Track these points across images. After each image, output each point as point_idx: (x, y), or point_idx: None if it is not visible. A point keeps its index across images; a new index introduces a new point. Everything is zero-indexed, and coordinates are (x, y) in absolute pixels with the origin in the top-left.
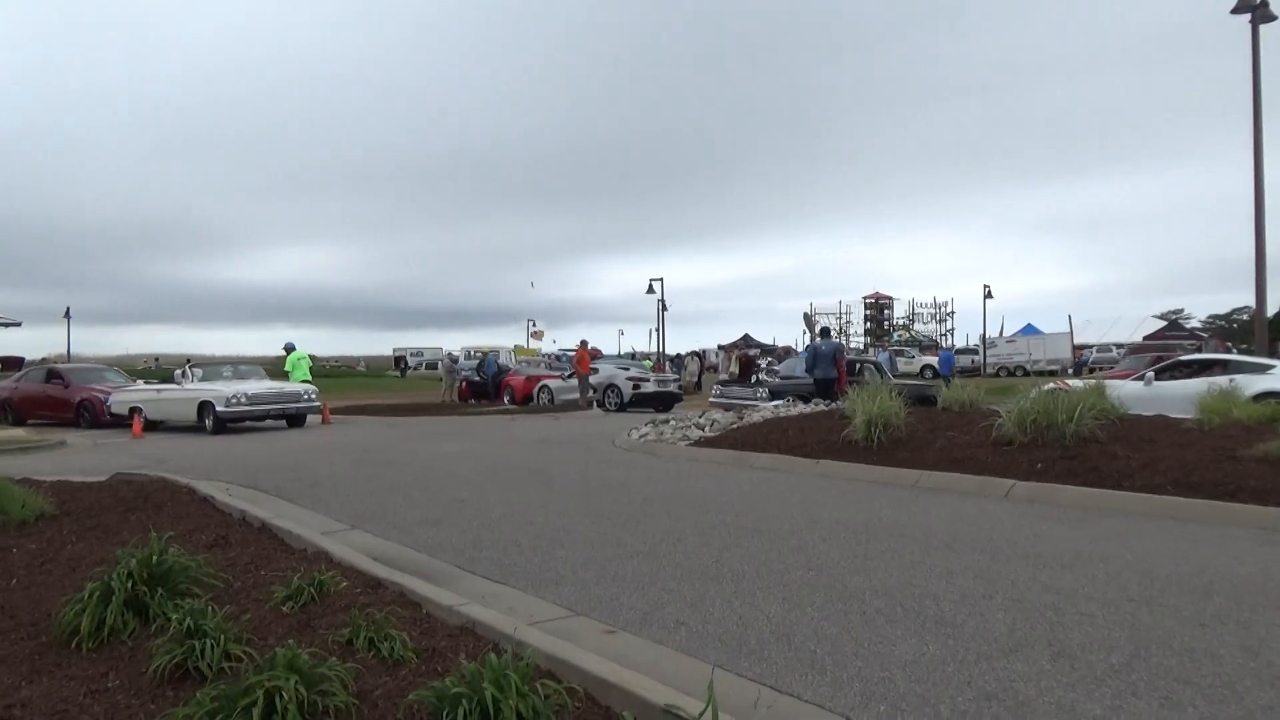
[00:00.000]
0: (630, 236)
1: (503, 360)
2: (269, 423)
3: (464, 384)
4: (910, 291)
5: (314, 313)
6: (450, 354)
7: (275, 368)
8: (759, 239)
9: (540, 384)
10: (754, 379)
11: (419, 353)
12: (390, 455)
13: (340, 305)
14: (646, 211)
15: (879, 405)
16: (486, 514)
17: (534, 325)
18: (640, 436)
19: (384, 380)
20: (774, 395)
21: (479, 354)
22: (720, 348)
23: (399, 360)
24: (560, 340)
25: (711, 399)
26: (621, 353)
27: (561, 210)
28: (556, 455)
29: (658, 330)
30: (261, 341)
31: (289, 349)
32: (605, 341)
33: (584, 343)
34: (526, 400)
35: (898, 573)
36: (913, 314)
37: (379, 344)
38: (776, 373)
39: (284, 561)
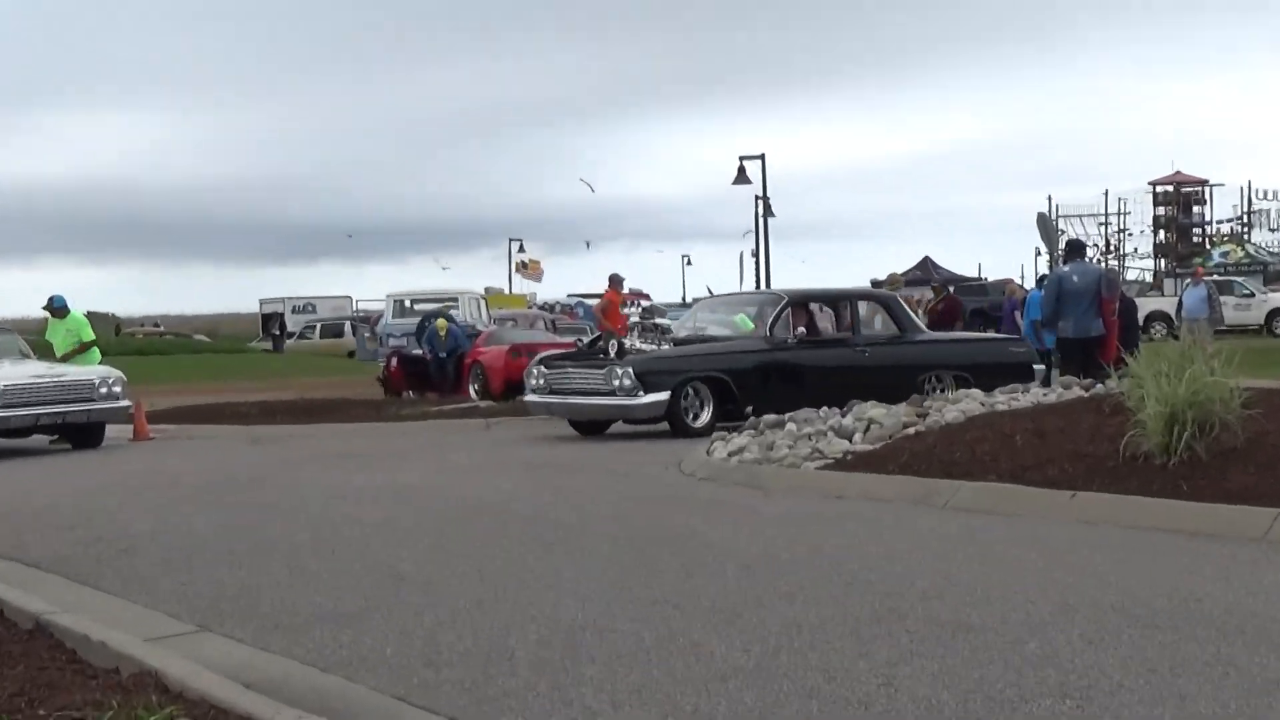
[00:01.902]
0: (701, 83)
1: (464, 318)
2: (36, 439)
3: (393, 362)
4: (1240, 172)
5: (112, 237)
6: (363, 311)
7: (40, 334)
8: (931, 83)
9: (537, 359)
10: (613, 348)
11: (307, 306)
12: (267, 494)
13: (164, 223)
14: (726, 39)
15: (1190, 384)
16: (447, 598)
17: (522, 253)
18: (731, 454)
19: (245, 359)
20: (642, 382)
21: (420, 310)
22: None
23: (270, 322)
24: (573, 278)
25: (529, 394)
26: (690, 299)
27: (580, 40)
28: (573, 488)
29: (757, 253)
30: (14, 293)
31: (56, 308)
32: (658, 279)
33: (616, 281)
34: (511, 390)
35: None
36: (1247, 213)
37: (236, 293)
38: (659, 335)
39: (80, 691)
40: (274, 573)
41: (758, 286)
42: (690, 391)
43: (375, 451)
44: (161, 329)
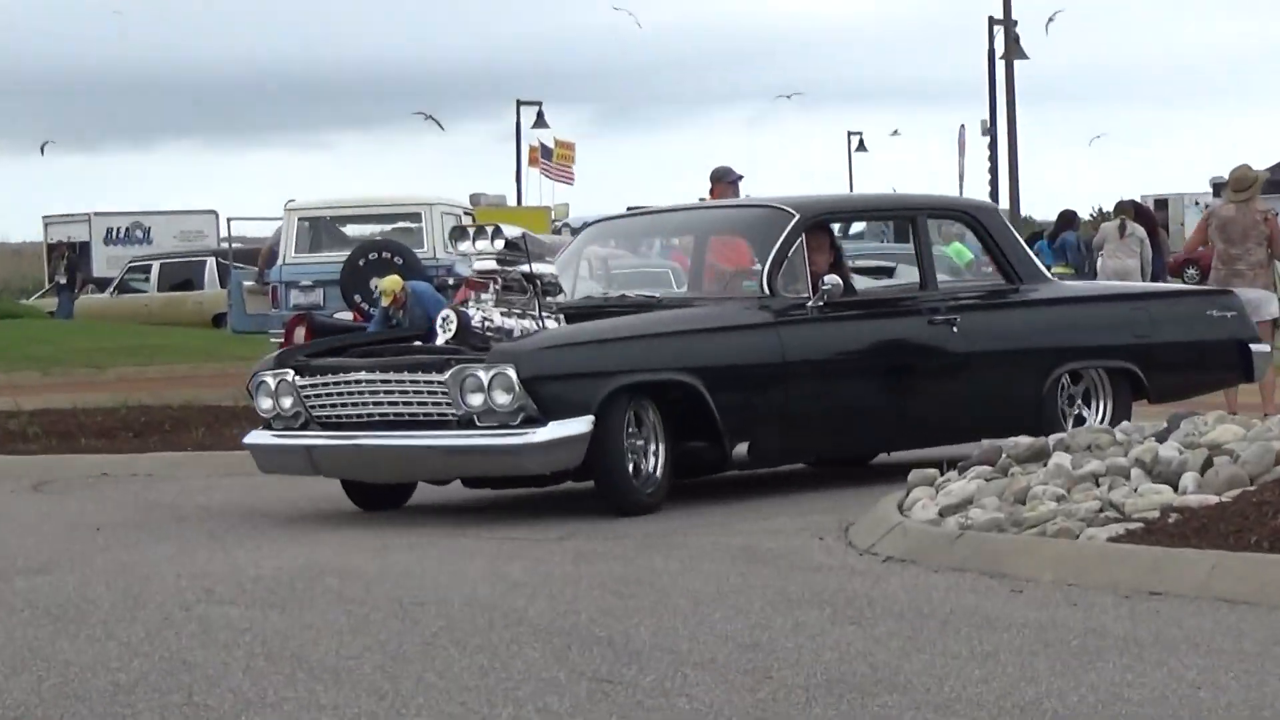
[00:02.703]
0: None
1: (432, 253)
2: None
3: (297, 334)
4: None
5: None
6: (239, 240)
7: None
8: None
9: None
10: (448, 327)
11: (133, 230)
12: (63, 598)
13: None
14: None
15: None
16: None
17: (542, 129)
18: (946, 511)
19: (17, 330)
20: (537, 398)
21: (351, 236)
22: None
23: (58, 261)
24: (635, 176)
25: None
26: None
27: None
28: (680, 589)
29: (993, 128)
30: None
31: None
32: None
33: (723, 180)
34: None
35: None
36: None
37: None
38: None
39: None
40: None
41: (994, 188)
42: (631, 416)
43: (259, 504)
44: None
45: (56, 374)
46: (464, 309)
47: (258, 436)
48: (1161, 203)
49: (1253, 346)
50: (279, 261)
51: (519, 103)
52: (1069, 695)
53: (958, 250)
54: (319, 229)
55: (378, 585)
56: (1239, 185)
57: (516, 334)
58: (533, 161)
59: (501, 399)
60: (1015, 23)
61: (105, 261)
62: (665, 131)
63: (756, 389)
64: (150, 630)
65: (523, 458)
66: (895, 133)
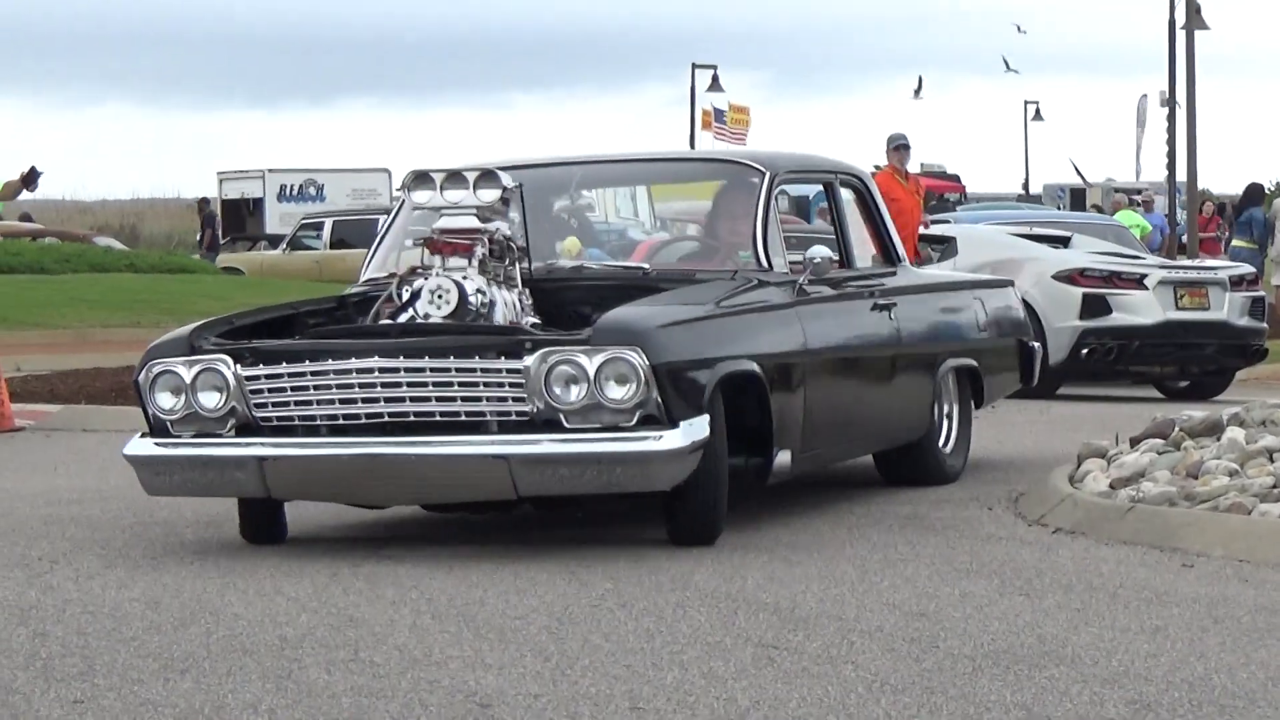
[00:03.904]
0: None
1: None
2: None
3: None
4: None
5: None
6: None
7: None
8: None
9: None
10: (480, 297)
11: (306, 187)
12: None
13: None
14: None
15: None
16: None
17: (716, 91)
18: (1118, 484)
19: (191, 284)
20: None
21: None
22: None
23: (237, 214)
24: (821, 139)
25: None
26: (1033, 185)
27: None
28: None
29: (1172, 100)
30: None
31: None
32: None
33: (896, 148)
34: None
35: None
36: None
37: (174, 160)
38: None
39: None
40: None
41: (1172, 161)
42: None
43: None
44: (36, 226)
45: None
46: (452, 278)
47: (145, 446)
48: None
49: (1033, 345)
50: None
51: (694, 65)
52: (1238, 672)
53: (1131, 218)
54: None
55: (544, 549)
56: None
57: (501, 311)
58: (705, 125)
59: (617, 392)
60: None
61: (278, 218)
62: (843, 96)
63: (796, 383)
64: (318, 586)
65: (653, 470)
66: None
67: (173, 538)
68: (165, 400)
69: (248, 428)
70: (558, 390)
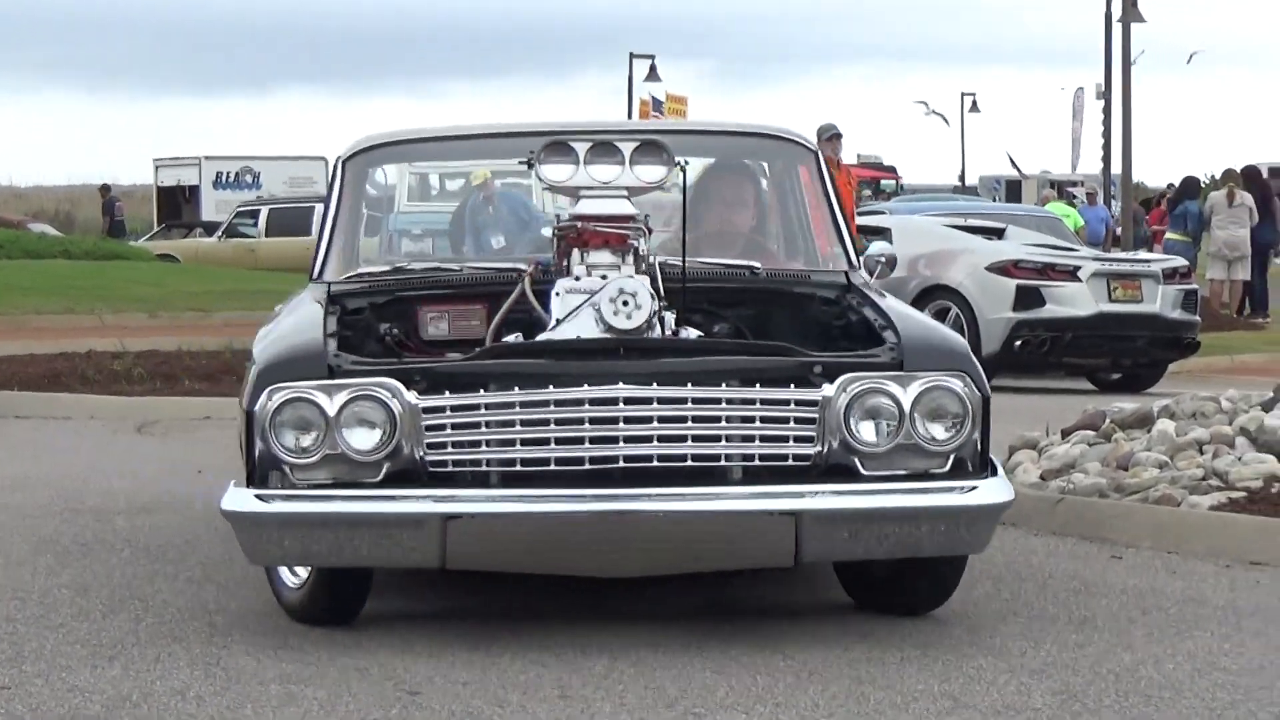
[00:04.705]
0: None
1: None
2: None
3: None
4: None
5: None
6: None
7: None
8: None
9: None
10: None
11: (243, 174)
12: (173, 540)
13: None
14: None
15: None
16: None
17: (654, 81)
18: (1048, 475)
19: (126, 271)
20: None
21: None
22: None
23: (173, 201)
24: None
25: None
26: (969, 177)
27: None
28: None
29: (1107, 94)
30: None
31: None
32: (909, 145)
33: (826, 139)
34: None
35: None
36: None
37: (111, 147)
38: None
39: None
40: None
41: (1108, 153)
42: None
43: None
44: None
45: (163, 317)
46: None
47: (257, 499)
48: (1276, 171)
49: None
50: (394, 210)
51: (632, 55)
52: (1165, 662)
53: (1062, 209)
54: (427, 180)
55: None
56: None
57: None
58: (644, 114)
59: (936, 430)
60: None
61: (214, 206)
62: (783, 88)
63: None
64: (248, 573)
65: (973, 530)
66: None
67: (103, 525)
68: (294, 439)
69: (408, 475)
70: (859, 428)
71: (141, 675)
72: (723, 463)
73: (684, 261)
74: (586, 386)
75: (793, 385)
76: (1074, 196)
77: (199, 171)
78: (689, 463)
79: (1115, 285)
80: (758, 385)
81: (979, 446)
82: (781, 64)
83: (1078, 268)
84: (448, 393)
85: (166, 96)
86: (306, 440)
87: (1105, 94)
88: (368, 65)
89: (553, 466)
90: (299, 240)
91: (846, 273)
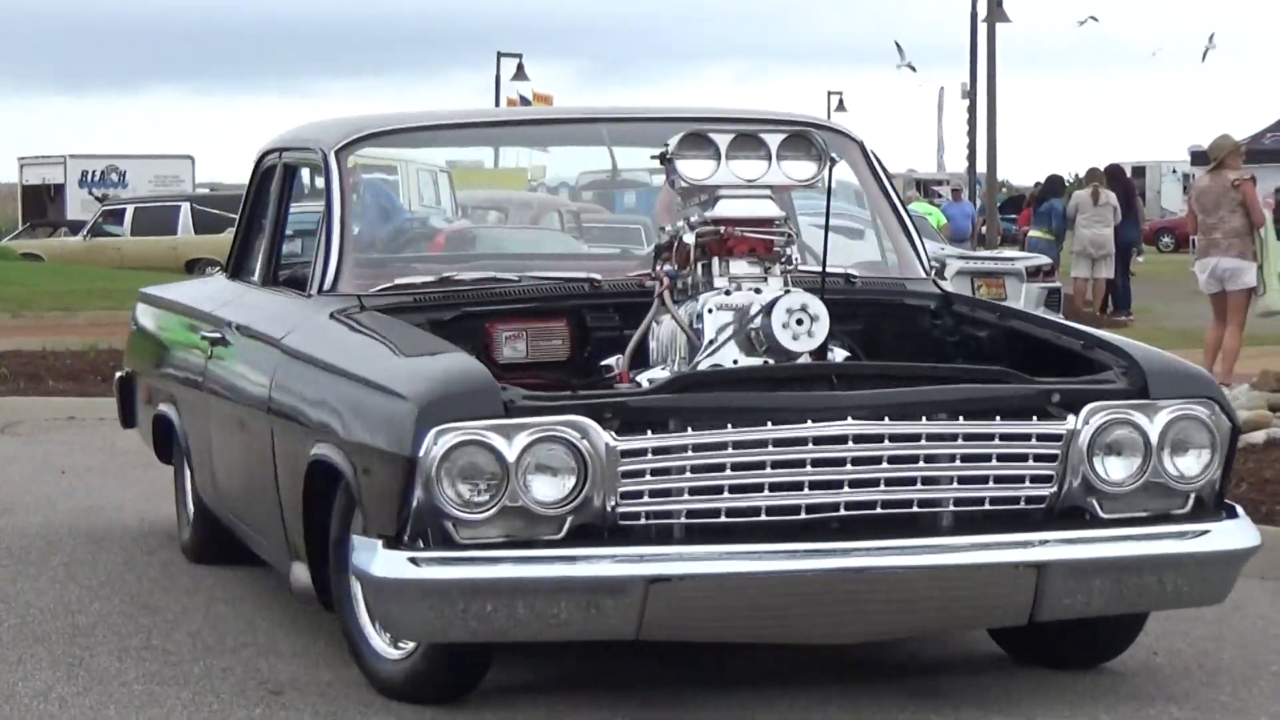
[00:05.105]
0: None
1: (409, 204)
2: None
3: None
4: None
5: None
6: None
7: None
8: None
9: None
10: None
11: (109, 173)
12: (28, 537)
13: None
14: None
15: None
16: None
17: (522, 81)
18: None
19: None
20: None
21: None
22: None
23: (39, 200)
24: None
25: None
26: None
27: None
28: None
29: (973, 93)
30: None
31: None
32: None
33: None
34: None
35: None
36: None
37: None
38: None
39: None
40: None
41: (972, 152)
42: None
43: None
44: None
45: (28, 316)
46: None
47: (414, 564)
48: (1139, 170)
49: None
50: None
51: (499, 54)
52: None
53: (924, 208)
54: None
55: None
56: (1213, 154)
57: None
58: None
59: (1185, 465)
60: None
61: (80, 204)
62: (651, 88)
63: None
64: (112, 574)
65: (1221, 577)
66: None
67: None
68: (466, 490)
69: (591, 531)
70: (1105, 466)
71: (4, 676)
72: (951, 507)
73: (824, 271)
74: (810, 423)
75: (1035, 418)
76: (938, 195)
77: (64, 170)
78: (913, 509)
79: (979, 283)
80: (996, 417)
81: (1219, 484)
82: (651, 62)
83: (941, 266)
84: (649, 432)
85: (31, 94)
86: (480, 492)
87: (970, 93)
88: (236, 64)
89: (763, 517)
90: (165, 239)
91: (935, 280)
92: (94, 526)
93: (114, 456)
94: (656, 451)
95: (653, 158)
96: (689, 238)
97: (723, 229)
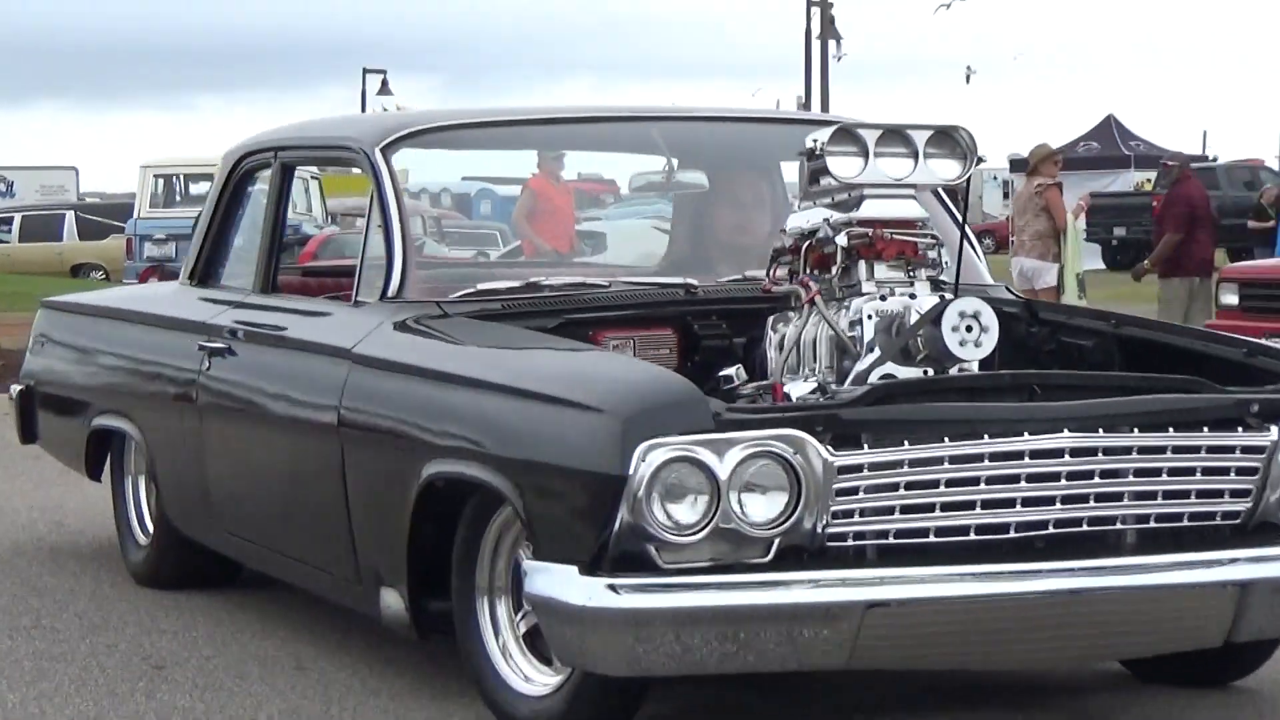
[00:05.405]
0: None
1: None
2: None
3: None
4: None
5: None
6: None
7: None
8: None
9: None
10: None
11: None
12: None
13: None
14: None
15: None
16: None
17: (386, 95)
18: None
19: None
20: None
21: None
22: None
23: None
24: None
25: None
26: None
27: None
28: None
29: (807, 103)
30: None
31: None
32: None
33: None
34: None
35: None
36: None
37: None
38: None
39: None
40: None
41: None
42: None
43: None
44: None
45: None
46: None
47: (619, 594)
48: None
49: None
50: (134, 216)
51: (365, 70)
52: None
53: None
54: (172, 186)
55: None
56: (1030, 161)
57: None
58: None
59: None
60: (831, 4)
61: None
62: (509, 100)
63: None
64: (2, 559)
65: None
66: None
67: None
68: (675, 511)
69: (797, 553)
70: None
71: None
72: (1152, 524)
73: (958, 270)
74: (1027, 435)
75: (1240, 429)
76: None
77: None
78: (1115, 525)
79: None
80: (1205, 429)
81: None
82: (508, 77)
83: None
84: (865, 446)
85: None
86: (691, 512)
87: (805, 105)
88: (117, 80)
89: (972, 536)
90: (51, 245)
91: (1008, 287)
92: None
93: (4, 450)
94: (873, 467)
95: (800, 154)
96: (841, 239)
97: (872, 231)
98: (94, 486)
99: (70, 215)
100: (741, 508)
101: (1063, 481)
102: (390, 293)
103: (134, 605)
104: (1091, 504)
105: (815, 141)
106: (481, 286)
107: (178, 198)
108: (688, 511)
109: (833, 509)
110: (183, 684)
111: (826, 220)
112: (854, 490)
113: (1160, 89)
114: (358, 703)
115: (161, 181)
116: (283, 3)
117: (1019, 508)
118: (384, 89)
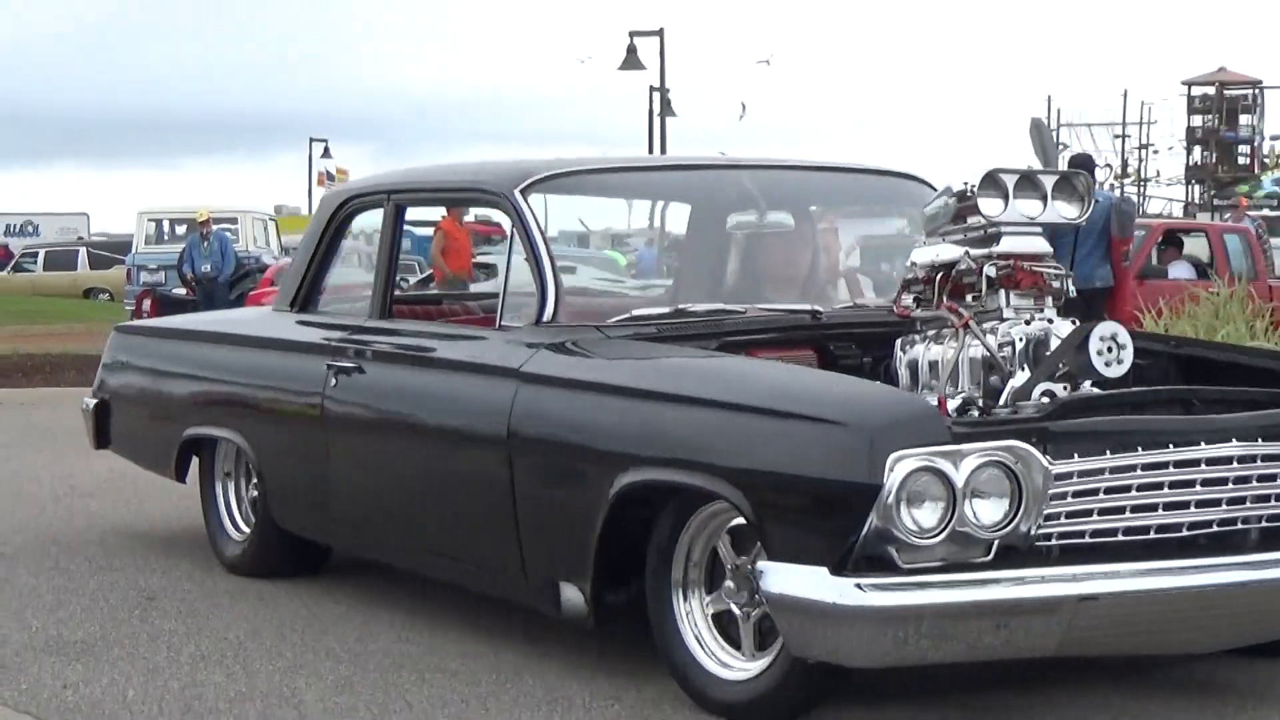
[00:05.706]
0: None
1: (245, 246)
2: None
3: (145, 305)
4: None
5: None
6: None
7: None
8: None
9: None
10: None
11: (26, 226)
12: None
13: None
14: None
15: None
16: None
17: (327, 159)
18: None
19: None
20: None
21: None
22: None
23: None
24: None
25: None
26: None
27: None
28: None
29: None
30: None
31: None
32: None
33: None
34: None
35: None
36: None
37: None
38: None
39: None
40: None
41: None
42: None
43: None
44: None
45: None
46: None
47: (865, 592)
48: None
49: None
50: (133, 250)
51: (311, 139)
52: None
53: (616, 255)
54: (162, 228)
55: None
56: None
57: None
58: (320, 182)
59: None
60: (668, 90)
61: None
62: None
63: None
64: (30, 516)
65: None
66: None
67: None
68: (926, 516)
69: (1012, 552)
70: None
71: None
72: (1262, 525)
73: (1065, 299)
74: (1203, 445)
75: None
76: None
77: None
78: (1237, 526)
79: None
80: None
81: None
82: (436, 145)
83: None
84: (1075, 456)
85: None
86: (932, 517)
87: None
88: (119, 144)
89: (1151, 535)
90: (68, 274)
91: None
92: (15, 482)
93: (30, 432)
94: (1082, 474)
95: (953, 195)
96: (989, 270)
97: (1013, 262)
98: (102, 460)
99: (83, 250)
100: (974, 512)
101: (1229, 485)
102: (545, 318)
103: (130, 550)
104: (1248, 505)
105: (966, 184)
106: (637, 312)
107: (165, 237)
108: (929, 516)
109: (1046, 512)
110: (169, 611)
111: (967, 253)
112: (1063, 495)
113: (933, 153)
114: (304, 627)
115: (154, 224)
116: (248, 86)
117: (1192, 509)
118: (326, 154)
